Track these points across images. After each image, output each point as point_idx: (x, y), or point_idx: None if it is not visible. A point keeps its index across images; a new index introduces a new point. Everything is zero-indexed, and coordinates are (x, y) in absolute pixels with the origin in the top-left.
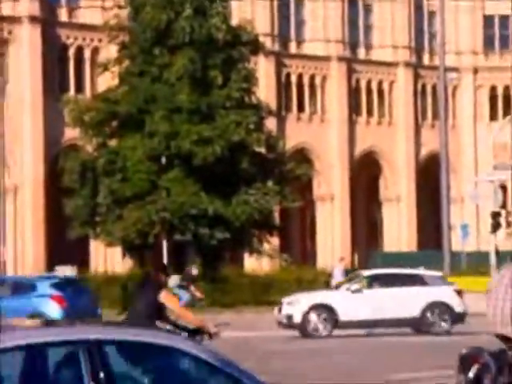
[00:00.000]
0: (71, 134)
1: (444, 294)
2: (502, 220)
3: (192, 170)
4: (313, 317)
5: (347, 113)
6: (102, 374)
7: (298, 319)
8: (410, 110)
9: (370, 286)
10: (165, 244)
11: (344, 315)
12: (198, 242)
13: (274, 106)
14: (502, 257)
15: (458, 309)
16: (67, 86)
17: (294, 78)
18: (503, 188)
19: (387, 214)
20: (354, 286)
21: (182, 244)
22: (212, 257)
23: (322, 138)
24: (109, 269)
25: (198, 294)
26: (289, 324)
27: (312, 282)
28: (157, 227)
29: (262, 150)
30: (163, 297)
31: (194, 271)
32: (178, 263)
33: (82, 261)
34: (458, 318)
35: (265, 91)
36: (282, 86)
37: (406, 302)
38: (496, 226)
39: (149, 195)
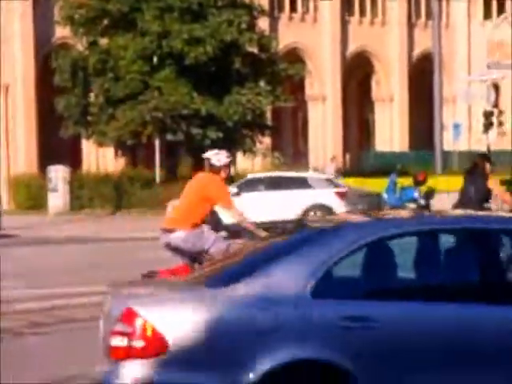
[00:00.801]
0: (62, 32)
1: (325, 196)
2: (494, 119)
3: (184, 69)
4: None
5: (340, 12)
6: (485, 260)
7: None
8: (404, 10)
9: (253, 189)
10: (157, 144)
11: (225, 218)
12: (191, 141)
13: (266, 5)
14: (494, 156)
15: (340, 210)
16: None
17: None
18: (496, 87)
19: (379, 113)
20: (231, 189)
21: (175, 144)
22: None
23: (315, 37)
24: (101, 168)
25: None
26: None
27: None
28: (149, 127)
29: (255, 50)
30: (491, 183)
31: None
32: (170, 163)
33: (75, 160)
34: None
35: None
36: None
37: (287, 204)
38: (488, 126)
39: (141, 95)
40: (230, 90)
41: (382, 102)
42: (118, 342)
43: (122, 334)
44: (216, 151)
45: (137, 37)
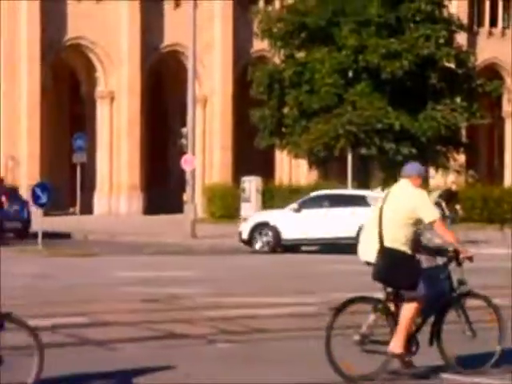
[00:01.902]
0: (260, 45)
1: None
2: None
3: (379, 84)
4: (255, 234)
5: None
6: None
7: (245, 236)
8: None
9: (313, 205)
10: (349, 157)
11: (285, 233)
12: (383, 156)
13: (465, 20)
14: None
15: None
16: None
17: None
18: None
19: None
20: (293, 206)
21: (367, 158)
22: (396, 172)
23: None
24: (293, 180)
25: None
26: (241, 240)
27: (498, 201)
28: (342, 140)
29: (452, 65)
30: None
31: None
32: (362, 178)
33: (267, 172)
34: None
35: (456, 5)
36: (475, 0)
37: (344, 222)
38: None
39: (335, 108)
40: (424, 106)
41: None
42: None
43: None
44: None
45: (333, 51)
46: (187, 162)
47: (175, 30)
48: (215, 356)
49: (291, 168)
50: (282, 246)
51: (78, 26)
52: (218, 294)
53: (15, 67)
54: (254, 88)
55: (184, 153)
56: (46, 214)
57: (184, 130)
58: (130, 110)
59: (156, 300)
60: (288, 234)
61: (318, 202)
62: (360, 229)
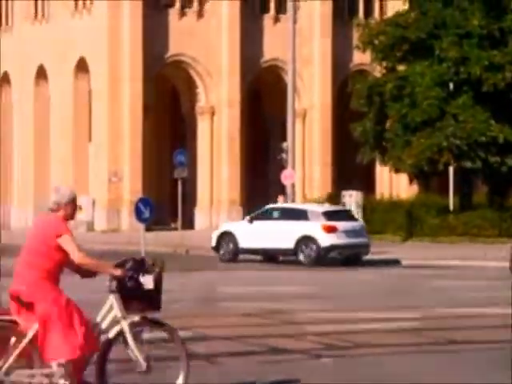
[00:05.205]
0: (359, 58)
1: (313, 228)
2: None
3: (481, 96)
4: (221, 242)
5: None
6: None
7: (213, 243)
8: None
9: (265, 218)
10: (451, 171)
11: (242, 242)
12: (487, 169)
13: None
14: None
15: (324, 243)
16: (356, 11)
17: None
18: None
19: None
20: (247, 217)
21: (469, 171)
22: (501, 185)
23: None
24: (393, 194)
25: None
26: (211, 247)
27: None
28: (446, 154)
29: None
30: None
31: None
32: (465, 191)
33: (367, 186)
34: (323, 251)
35: None
36: None
37: (285, 234)
38: None
39: (437, 122)
40: None
41: None
42: None
43: None
44: None
45: (434, 63)
46: (287, 177)
47: (274, 45)
48: (320, 371)
49: (391, 182)
50: (241, 253)
51: (179, 42)
52: (320, 309)
53: (118, 85)
54: (354, 100)
55: (284, 167)
56: (148, 229)
57: (284, 144)
58: (229, 125)
59: (257, 315)
60: (243, 243)
61: (268, 215)
62: (298, 241)
